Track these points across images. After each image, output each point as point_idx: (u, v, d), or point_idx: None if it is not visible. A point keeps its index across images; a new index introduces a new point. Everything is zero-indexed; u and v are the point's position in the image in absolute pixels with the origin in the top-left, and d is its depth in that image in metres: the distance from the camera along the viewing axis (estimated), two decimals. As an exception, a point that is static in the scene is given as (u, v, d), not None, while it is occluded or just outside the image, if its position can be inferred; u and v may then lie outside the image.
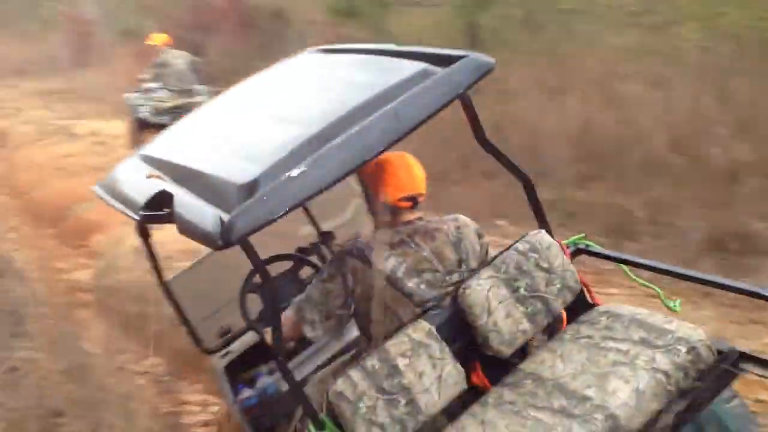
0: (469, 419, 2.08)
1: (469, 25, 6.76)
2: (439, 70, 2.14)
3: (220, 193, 1.97)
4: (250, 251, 2.03)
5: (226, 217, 1.82)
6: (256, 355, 3.00)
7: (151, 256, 2.76)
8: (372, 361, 2.12)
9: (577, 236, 2.75)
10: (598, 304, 2.45)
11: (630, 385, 1.95)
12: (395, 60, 2.38)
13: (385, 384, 2.08)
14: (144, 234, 2.63)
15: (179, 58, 8.34)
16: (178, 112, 6.54)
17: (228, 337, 3.08)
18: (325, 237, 3.31)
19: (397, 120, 1.96)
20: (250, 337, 3.01)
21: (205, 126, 2.62)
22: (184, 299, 3.02)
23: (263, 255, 2.29)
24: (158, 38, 8.44)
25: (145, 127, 7.76)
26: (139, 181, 2.27)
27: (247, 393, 2.97)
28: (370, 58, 2.55)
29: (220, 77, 12.41)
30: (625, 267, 2.57)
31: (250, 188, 1.88)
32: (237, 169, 1.99)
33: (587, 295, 2.49)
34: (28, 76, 17.45)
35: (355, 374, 2.09)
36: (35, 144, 10.38)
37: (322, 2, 9.24)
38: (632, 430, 1.88)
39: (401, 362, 2.11)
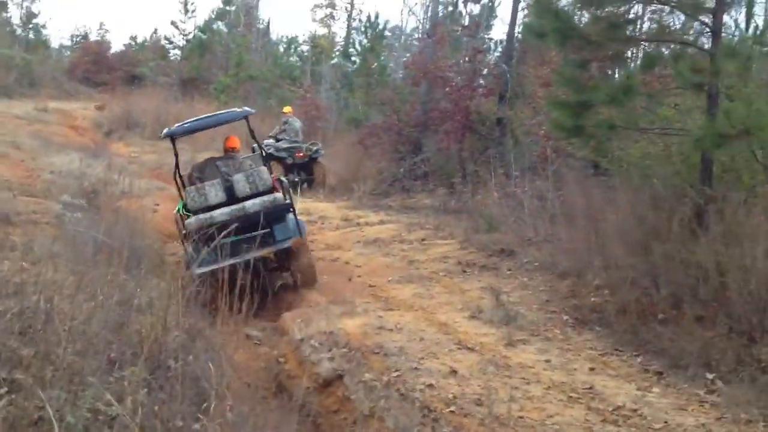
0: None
1: (703, 159, 6.41)
2: (236, 110, 8.91)
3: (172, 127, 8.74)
4: (174, 145, 8.57)
5: (167, 131, 8.49)
6: None
7: (176, 157, 8.47)
8: (199, 185, 7.96)
9: (281, 174, 10.43)
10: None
11: (256, 202, 7.65)
12: (233, 108, 9.86)
13: (199, 191, 7.83)
14: (174, 145, 8.55)
15: (297, 122, 14.90)
16: (291, 150, 14.19)
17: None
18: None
19: (216, 120, 8.65)
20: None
21: None
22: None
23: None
24: (287, 109, 15.21)
25: (270, 158, 12.48)
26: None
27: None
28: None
29: (433, 173, 12.94)
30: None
31: (178, 127, 8.48)
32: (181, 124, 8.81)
33: (275, 191, 7.96)
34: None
35: (192, 187, 7.96)
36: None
37: (547, 117, 9.33)
38: (250, 211, 7.51)
39: (206, 186, 7.87)
